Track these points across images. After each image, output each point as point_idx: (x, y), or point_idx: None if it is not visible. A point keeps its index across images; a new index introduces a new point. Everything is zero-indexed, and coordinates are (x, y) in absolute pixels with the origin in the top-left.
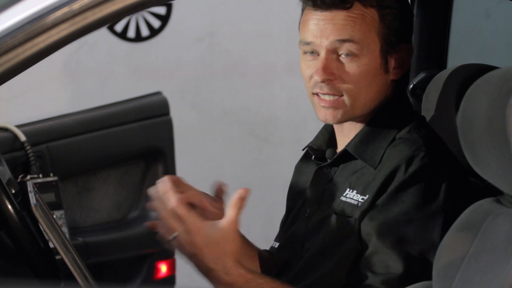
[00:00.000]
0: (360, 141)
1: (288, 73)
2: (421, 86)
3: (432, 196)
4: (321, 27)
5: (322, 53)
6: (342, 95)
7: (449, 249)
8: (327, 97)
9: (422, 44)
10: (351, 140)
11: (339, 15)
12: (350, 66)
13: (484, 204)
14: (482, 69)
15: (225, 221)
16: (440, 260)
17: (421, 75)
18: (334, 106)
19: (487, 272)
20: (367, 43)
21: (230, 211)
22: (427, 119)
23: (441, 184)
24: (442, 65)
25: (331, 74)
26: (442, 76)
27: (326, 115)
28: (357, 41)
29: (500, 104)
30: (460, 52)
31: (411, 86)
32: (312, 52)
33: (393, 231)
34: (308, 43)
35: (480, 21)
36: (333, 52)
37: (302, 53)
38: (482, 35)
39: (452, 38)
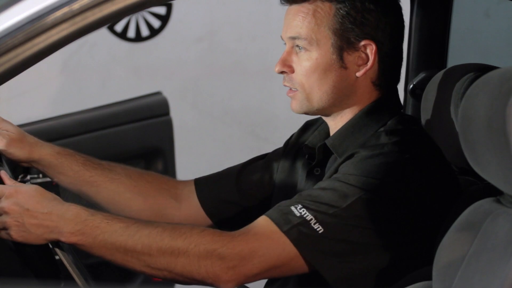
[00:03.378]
0: (338, 136)
1: None
2: (421, 86)
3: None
4: (285, 23)
5: (287, 46)
6: (296, 89)
7: (449, 249)
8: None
9: (422, 44)
10: (331, 135)
11: (292, 11)
12: (301, 60)
13: (484, 204)
14: (482, 69)
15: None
16: (440, 260)
17: (421, 75)
18: (293, 96)
19: (487, 272)
20: (316, 39)
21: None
22: (427, 119)
23: (384, 175)
24: (442, 65)
25: (288, 66)
26: (442, 76)
27: (292, 106)
28: (304, 37)
29: (500, 104)
30: (460, 52)
31: (411, 86)
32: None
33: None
34: (281, 37)
35: (480, 21)
36: (292, 46)
37: None
38: (482, 35)
39: (452, 38)
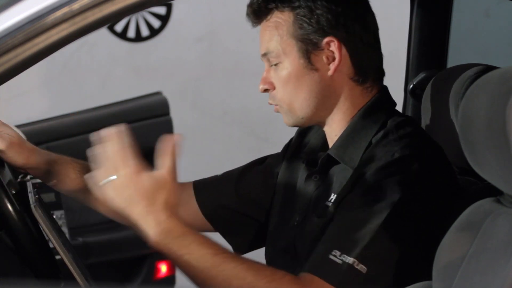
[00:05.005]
0: (340, 144)
1: None
2: (421, 86)
3: (388, 193)
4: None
5: (265, 65)
6: (278, 104)
7: (449, 249)
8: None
9: (422, 44)
10: (333, 144)
11: (261, 28)
12: (275, 74)
13: (484, 204)
14: (482, 69)
15: (163, 171)
16: (440, 260)
17: (421, 75)
18: (279, 112)
19: (487, 272)
20: (282, 49)
21: (165, 160)
22: (427, 119)
23: (401, 188)
24: (442, 65)
25: (267, 83)
26: (442, 76)
27: (284, 120)
28: (272, 50)
29: (500, 104)
30: (460, 52)
31: (411, 86)
32: None
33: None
34: None
35: (480, 21)
36: (269, 64)
37: None
38: (482, 35)
39: (452, 38)
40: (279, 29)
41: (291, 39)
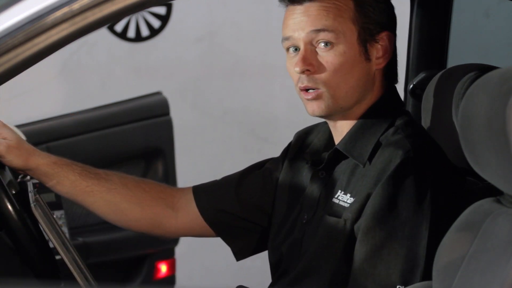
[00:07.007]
0: (349, 138)
1: (288, 73)
2: (421, 86)
3: (418, 206)
4: (298, 21)
5: (301, 46)
6: (320, 88)
7: (449, 249)
8: (310, 91)
9: (422, 44)
10: (342, 139)
11: (312, 7)
12: (328, 55)
13: (484, 204)
14: (482, 69)
15: None
16: (440, 260)
17: (421, 75)
18: (317, 97)
19: (487, 272)
20: (342, 31)
21: None
22: (427, 119)
23: (427, 192)
24: (442, 65)
25: (310, 65)
26: (442, 76)
27: (313, 108)
28: (332, 29)
29: (500, 104)
30: (460, 52)
31: (411, 86)
32: (295, 49)
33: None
34: (287, 38)
35: (480, 21)
36: (311, 44)
37: (286, 52)
38: (482, 35)
39: (452, 38)
40: (341, 10)
41: (351, 24)
